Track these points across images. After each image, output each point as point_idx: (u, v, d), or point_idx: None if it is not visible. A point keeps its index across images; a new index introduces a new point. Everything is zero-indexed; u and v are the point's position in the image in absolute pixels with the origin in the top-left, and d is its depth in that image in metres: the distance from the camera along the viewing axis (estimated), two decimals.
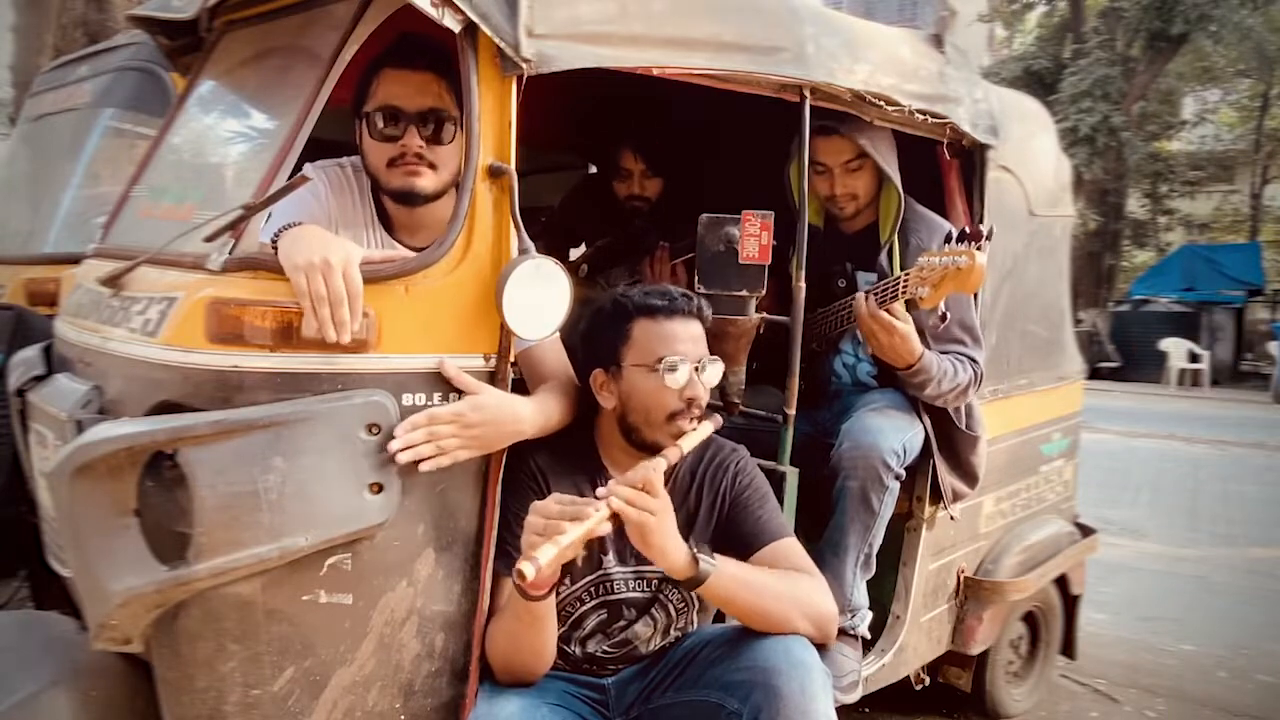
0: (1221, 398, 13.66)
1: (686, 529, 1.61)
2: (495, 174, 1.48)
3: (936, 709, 2.94)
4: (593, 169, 3.48)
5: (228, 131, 1.84)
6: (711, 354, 1.66)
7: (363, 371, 1.38)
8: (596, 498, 1.42)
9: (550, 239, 2.91)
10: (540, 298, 1.43)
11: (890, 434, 2.16)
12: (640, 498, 1.44)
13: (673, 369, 1.58)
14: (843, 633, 2.16)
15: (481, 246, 1.47)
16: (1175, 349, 14.64)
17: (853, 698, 2.14)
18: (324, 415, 1.34)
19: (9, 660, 1.54)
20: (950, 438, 2.35)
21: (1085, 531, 3.19)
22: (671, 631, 1.72)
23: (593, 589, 1.67)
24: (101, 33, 4.73)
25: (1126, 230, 18.86)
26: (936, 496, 2.38)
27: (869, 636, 2.30)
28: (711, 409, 1.70)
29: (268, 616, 1.36)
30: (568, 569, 1.53)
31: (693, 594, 1.70)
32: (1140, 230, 20.09)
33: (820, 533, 2.21)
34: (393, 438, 1.38)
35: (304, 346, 1.35)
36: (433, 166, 1.63)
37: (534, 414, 1.56)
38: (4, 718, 1.45)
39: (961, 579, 2.63)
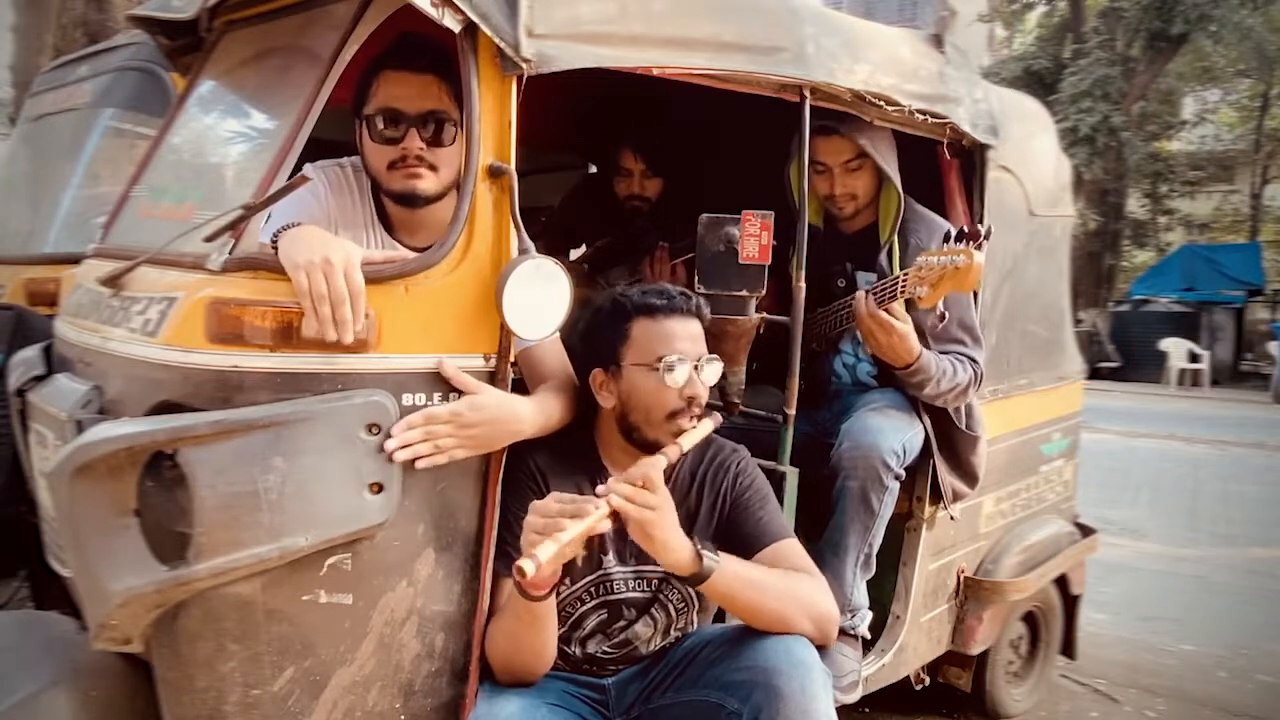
0: (1221, 398, 13.67)
1: (687, 528, 1.61)
2: (495, 174, 1.48)
3: (936, 709, 2.94)
4: (593, 169, 3.48)
5: (228, 131, 1.84)
6: (712, 354, 1.66)
7: (363, 371, 1.38)
8: (596, 495, 1.43)
9: (550, 239, 2.91)
10: (540, 298, 1.43)
11: (890, 434, 2.16)
12: (640, 494, 1.44)
13: (672, 368, 1.58)
14: (843, 633, 2.16)
15: (482, 246, 1.47)
16: (1175, 349, 14.64)
17: (853, 698, 2.14)
18: (324, 415, 1.34)
19: (9, 660, 1.54)
20: (950, 438, 2.35)
21: (1085, 531, 3.19)
22: (672, 632, 1.72)
23: (593, 589, 1.67)
24: (101, 33, 4.73)
25: (1126, 230, 18.86)
26: (936, 496, 2.38)
27: (869, 636, 2.30)
28: (711, 409, 1.70)
29: (268, 616, 1.36)
30: (567, 569, 1.53)
31: (693, 594, 1.70)
32: (1140, 230, 20.09)
33: (820, 533, 2.21)
34: (390, 437, 1.38)
35: (304, 346, 1.35)
36: (433, 169, 1.63)
37: (534, 414, 1.56)
38: (4, 718, 1.45)
39: (961, 579, 2.63)
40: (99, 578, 1.32)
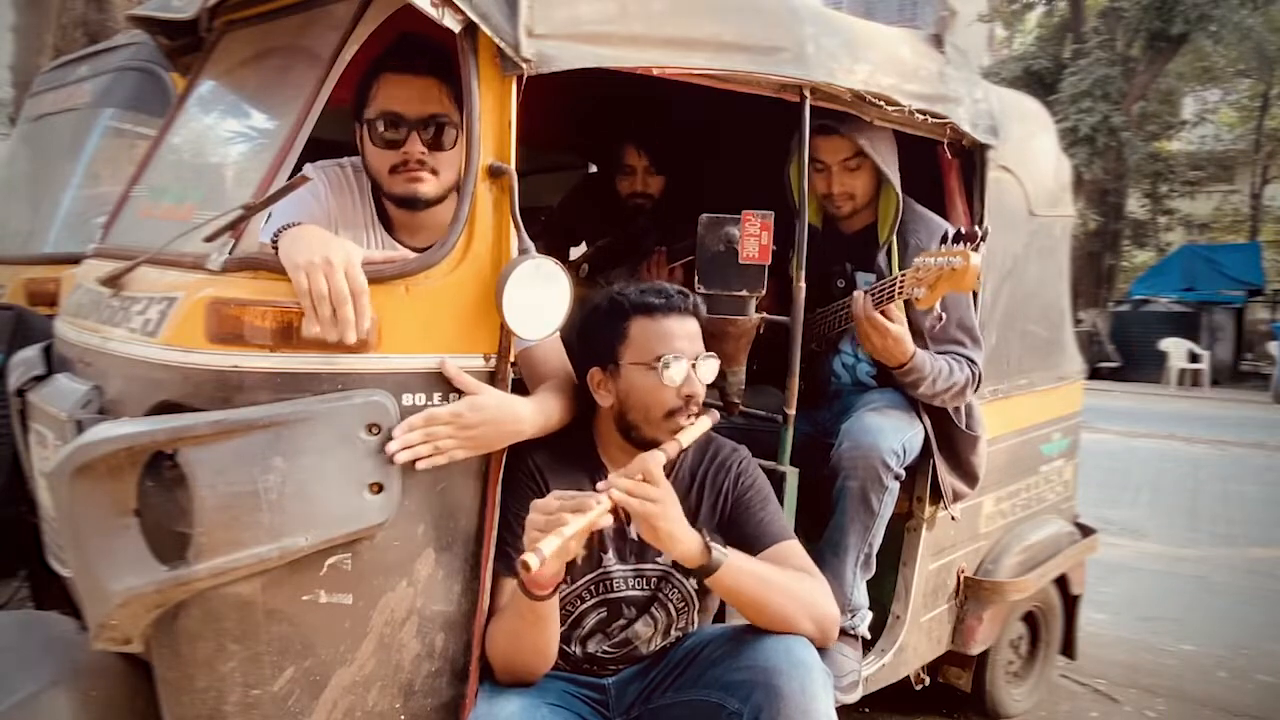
0: (1221, 398, 13.67)
1: None
2: (495, 174, 1.48)
3: (936, 709, 2.94)
4: (593, 169, 3.48)
5: (228, 131, 1.84)
6: (712, 354, 1.66)
7: (363, 371, 1.38)
8: (596, 491, 1.43)
9: (550, 239, 2.91)
10: (540, 298, 1.43)
11: (890, 434, 2.16)
12: (641, 487, 1.44)
13: (670, 367, 1.58)
14: (843, 633, 2.16)
15: (482, 246, 1.47)
16: (1175, 349, 14.64)
17: (853, 698, 2.14)
18: (324, 415, 1.34)
19: (9, 660, 1.54)
20: (950, 437, 2.35)
21: (1085, 531, 3.19)
22: (672, 631, 1.72)
23: (592, 587, 1.67)
24: (101, 33, 4.73)
25: (1126, 230, 18.86)
26: (936, 496, 2.38)
27: (869, 636, 2.30)
28: (710, 408, 1.70)
29: (268, 616, 1.36)
30: (568, 568, 1.53)
31: (692, 593, 1.70)
32: (1140, 230, 20.09)
33: (820, 533, 2.21)
34: (391, 438, 1.38)
35: (304, 346, 1.35)
36: (434, 172, 1.63)
37: (533, 414, 1.56)
38: (4, 718, 1.45)
39: (961, 579, 2.63)
40: (99, 578, 1.32)
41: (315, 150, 1.61)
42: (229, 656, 1.37)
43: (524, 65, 1.45)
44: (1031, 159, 2.75)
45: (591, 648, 1.70)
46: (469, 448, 1.46)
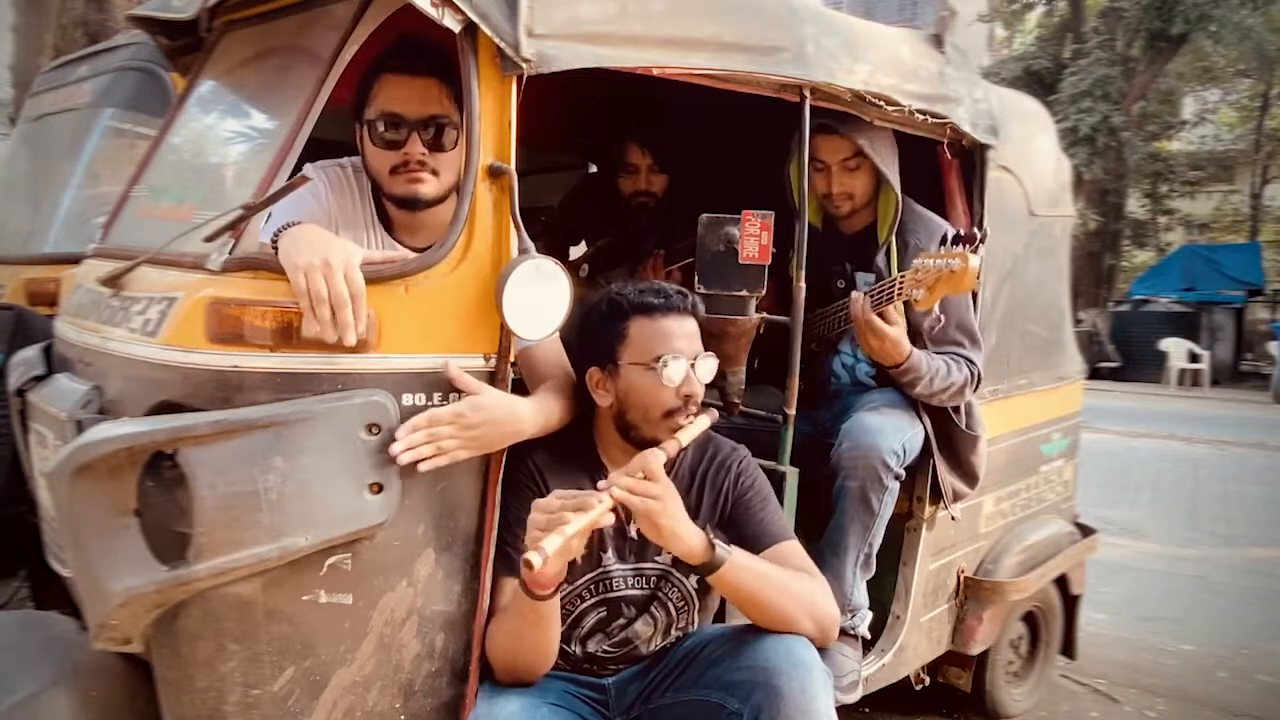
0: (1221, 398, 13.67)
1: None
2: (495, 174, 1.48)
3: (936, 709, 2.94)
4: (593, 169, 3.48)
5: (228, 131, 1.84)
6: (712, 354, 1.66)
7: (363, 371, 1.38)
8: (598, 490, 1.43)
9: (550, 239, 2.91)
10: (540, 298, 1.43)
11: (890, 434, 2.16)
12: (642, 485, 1.44)
13: (669, 366, 1.58)
14: (843, 633, 2.16)
15: (482, 247, 1.47)
16: (1175, 349, 14.64)
17: (853, 698, 2.14)
18: (324, 415, 1.34)
19: (9, 660, 1.54)
20: (950, 437, 2.35)
21: (1085, 531, 3.19)
22: (672, 631, 1.72)
23: (592, 586, 1.67)
24: (101, 33, 4.73)
25: (1126, 230, 18.86)
26: (936, 496, 2.38)
27: (869, 636, 2.30)
28: (709, 407, 1.70)
29: (268, 616, 1.36)
30: (568, 567, 1.52)
31: (692, 592, 1.70)
32: (1140, 230, 20.09)
33: (820, 533, 2.21)
34: (393, 439, 1.38)
35: (304, 346, 1.35)
36: (435, 173, 1.64)
37: (534, 414, 1.56)
38: (4, 718, 1.45)
39: (961, 579, 2.63)
40: (99, 578, 1.32)
41: (315, 150, 1.61)
42: (229, 656, 1.37)
43: (524, 65, 1.45)
44: (1031, 159, 2.75)
45: (591, 647, 1.70)
46: (471, 448, 1.46)
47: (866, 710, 2.80)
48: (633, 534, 1.67)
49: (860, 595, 2.23)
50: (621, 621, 1.69)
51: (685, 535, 1.49)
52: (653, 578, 1.69)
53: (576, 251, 3.10)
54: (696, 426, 1.62)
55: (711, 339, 1.75)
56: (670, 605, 1.71)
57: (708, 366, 1.65)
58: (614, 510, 1.41)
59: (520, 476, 1.61)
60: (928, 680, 2.63)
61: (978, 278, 1.96)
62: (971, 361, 2.27)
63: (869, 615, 2.27)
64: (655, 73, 1.67)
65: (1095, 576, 3.43)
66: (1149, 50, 14.95)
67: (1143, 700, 3.24)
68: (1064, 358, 3.09)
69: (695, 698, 1.59)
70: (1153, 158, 18.01)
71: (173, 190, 1.81)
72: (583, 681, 1.70)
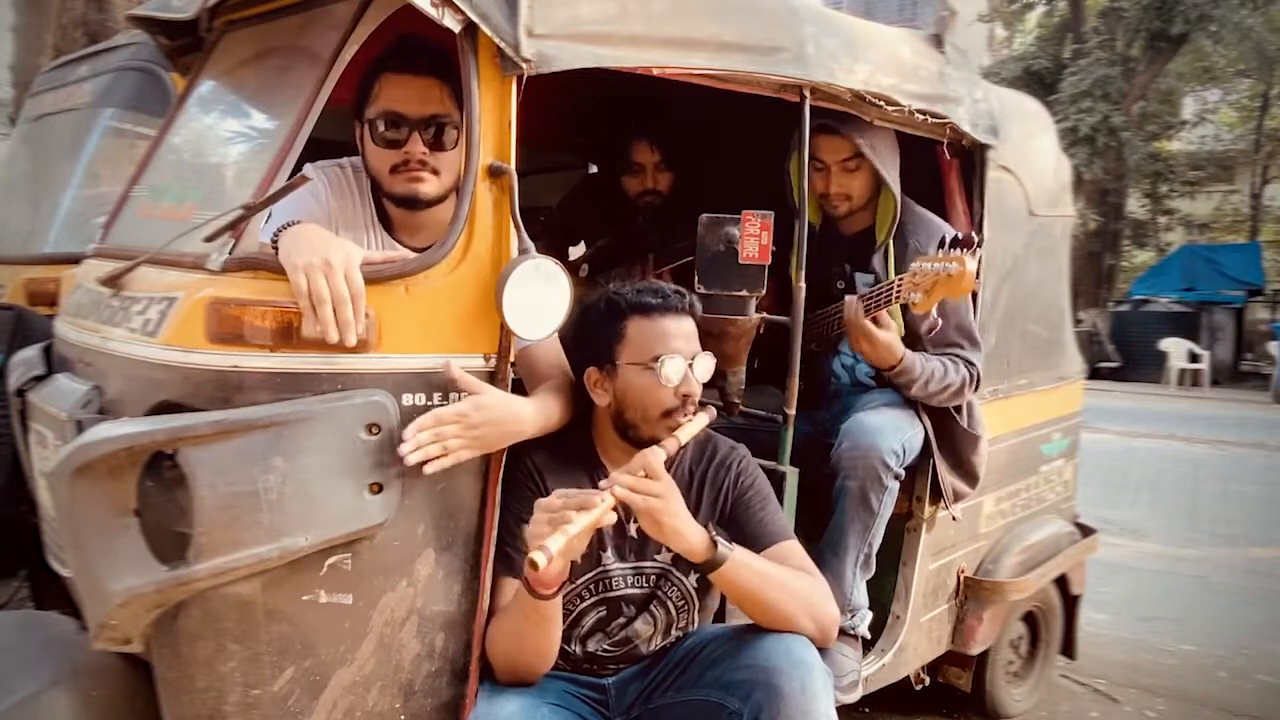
0: (1221, 398, 13.66)
1: None
2: (495, 174, 1.48)
3: (936, 709, 2.94)
4: (593, 169, 3.48)
5: (228, 131, 1.84)
6: (712, 355, 1.67)
7: (363, 371, 1.38)
8: (599, 489, 1.43)
9: (550, 239, 2.91)
10: (540, 298, 1.43)
11: (889, 434, 2.16)
12: (643, 483, 1.44)
13: (667, 366, 1.58)
14: (843, 633, 2.16)
15: (482, 247, 1.47)
16: (1175, 349, 14.64)
17: (853, 698, 2.14)
18: (324, 415, 1.34)
19: (9, 660, 1.54)
20: (951, 437, 2.35)
21: (1085, 531, 3.19)
22: (672, 630, 1.72)
23: (592, 585, 1.67)
24: (101, 33, 4.73)
25: (1126, 230, 18.85)
26: (936, 496, 2.38)
27: (869, 636, 2.30)
28: (709, 405, 1.70)
29: (268, 616, 1.36)
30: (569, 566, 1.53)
31: (692, 591, 1.70)
32: (1140, 230, 20.09)
33: (820, 533, 2.21)
34: (397, 439, 1.37)
35: (304, 346, 1.35)
36: (435, 172, 1.64)
37: (534, 414, 1.56)
38: (4, 718, 1.45)
39: (961, 579, 2.63)
40: (99, 578, 1.32)
41: (315, 150, 1.61)
42: (229, 656, 1.37)
43: (524, 65, 1.45)
44: (1031, 159, 2.75)
45: (591, 647, 1.70)
46: (474, 448, 1.46)
47: (866, 710, 2.80)
48: (632, 533, 1.67)
49: (860, 595, 2.23)
50: (621, 620, 1.69)
51: (687, 533, 1.49)
52: (652, 576, 1.69)
53: (576, 252, 3.10)
54: (695, 424, 1.62)
55: (711, 339, 1.75)
56: (670, 604, 1.71)
57: (705, 366, 1.65)
58: (615, 509, 1.41)
59: (520, 476, 1.61)
60: (928, 680, 2.63)
61: (977, 278, 1.96)
62: (970, 363, 2.28)
63: (869, 615, 2.27)
64: (655, 73, 1.67)
65: (1095, 576, 3.43)
66: (1149, 50, 14.95)
67: (1143, 700, 3.24)
68: (1064, 358, 3.09)
69: (695, 697, 1.59)
70: (1153, 158, 18.01)
71: (173, 190, 1.81)
72: (583, 681, 1.70)
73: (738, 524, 1.68)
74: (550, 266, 1.44)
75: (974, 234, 2.02)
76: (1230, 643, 3.84)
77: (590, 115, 2.83)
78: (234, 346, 1.34)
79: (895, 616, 2.42)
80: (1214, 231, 21.04)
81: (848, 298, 2.15)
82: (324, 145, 1.69)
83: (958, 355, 2.27)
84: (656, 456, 1.49)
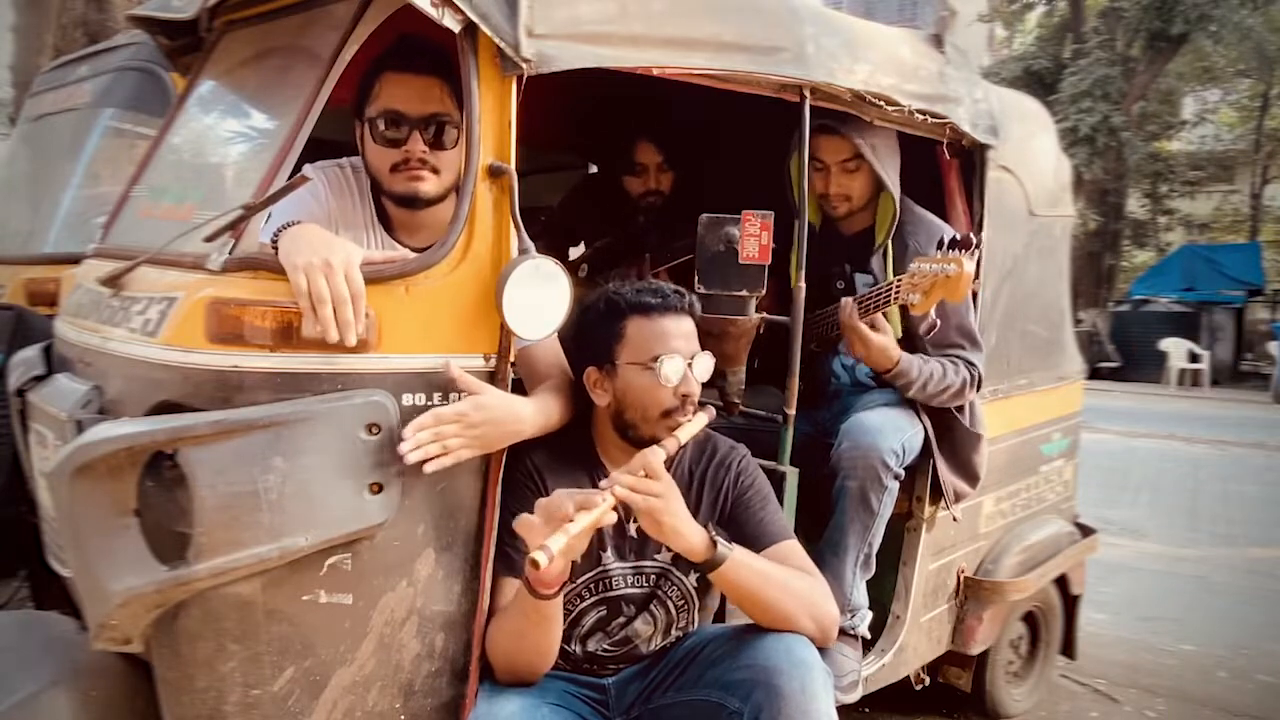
0: (1221, 398, 13.66)
1: None
2: (495, 174, 1.48)
3: (936, 709, 2.94)
4: (593, 169, 3.48)
5: (228, 131, 1.84)
6: (712, 355, 1.67)
7: (363, 371, 1.38)
8: (600, 488, 1.43)
9: (550, 239, 2.91)
10: (540, 298, 1.43)
11: (889, 434, 2.16)
12: (643, 483, 1.45)
13: (667, 366, 1.58)
14: (843, 633, 2.16)
15: (482, 247, 1.47)
16: (1175, 349, 14.64)
17: (853, 698, 2.14)
18: (324, 415, 1.34)
19: (9, 660, 1.54)
20: (953, 436, 2.35)
21: (1085, 531, 3.19)
22: (672, 630, 1.72)
23: (592, 585, 1.67)
24: (101, 33, 4.73)
25: (1126, 230, 18.85)
26: (936, 496, 2.38)
27: (869, 636, 2.30)
28: (708, 405, 1.70)
29: (268, 616, 1.36)
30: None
31: (692, 591, 1.70)
32: (1140, 230, 20.09)
33: (820, 533, 2.21)
34: (396, 439, 1.37)
35: (304, 346, 1.35)
36: (435, 171, 1.64)
37: (534, 414, 1.56)
38: (4, 718, 1.45)
39: (961, 579, 2.63)
40: (99, 578, 1.32)
41: (315, 150, 1.61)
42: (229, 656, 1.37)
43: (524, 65, 1.45)
44: (1031, 159, 2.75)
45: (591, 646, 1.70)
46: (474, 447, 1.46)
47: (866, 710, 2.80)
48: (632, 532, 1.67)
49: (860, 595, 2.23)
50: (621, 620, 1.70)
51: (687, 532, 1.49)
52: (652, 576, 1.69)
53: (576, 252, 3.10)
54: (695, 424, 1.62)
55: (711, 339, 1.75)
56: (670, 604, 1.71)
57: (705, 366, 1.65)
58: (615, 509, 1.41)
59: (519, 476, 1.61)
60: (928, 680, 2.63)
61: (976, 279, 1.96)
62: (971, 364, 2.28)
63: (869, 615, 2.27)
64: (655, 73, 1.67)
65: (1095, 576, 3.43)
66: (1149, 50, 14.95)
67: (1143, 700, 3.24)
68: (1064, 358, 3.09)
69: (695, 697, 1.59)
70: (1153, 158, 18.00)
71: (173, 190, 1.81)
72: (583, 681, 1.70)
73: (737, 524, 1.68)
74: (550, 266, 1.44)
75: (972, 235, 2.02)
76: (1230, 643, 3.84)
77: (590, 115, 2.83)
78: (234, 346, 1.34)
79: (895, 616, 2.42)
80: (1214, 231, 21.04)
81: (843, 300, 2.15)
82: (324, 145, 1.69)
83: (958, 356, 2.27)
84: (656, 456, 1.49)
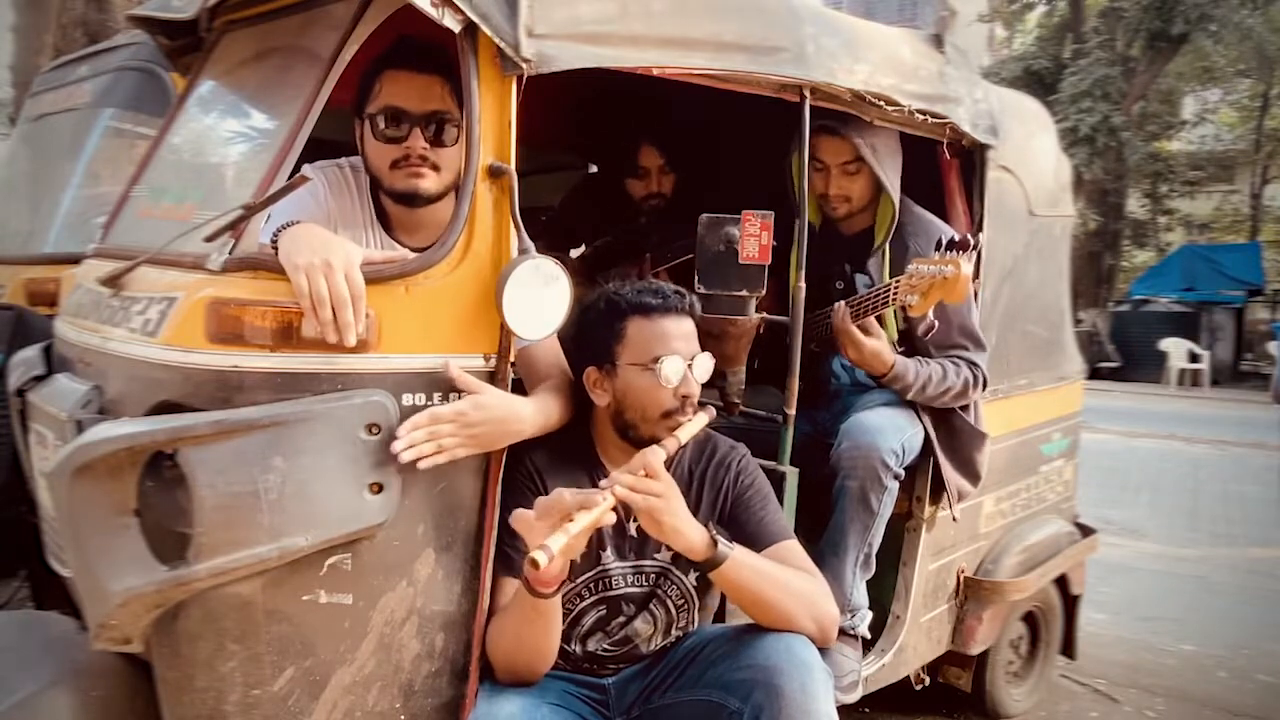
0: (1221, 398, 13.66)
1: None
2: (495, 174, 1.48)
3: (936, 709, 2.94)
4: (593, 169, 3.48)
5: (228, 131, 1.84)
6: (712, 355, 1.67)
7: (363, 371, 1.38)
8: (600, 488, 1.43)
9: (550, 239, 2.91)
10: (540, 298, 1.43)
11: (889, 434, 2.16)
12: (643, 482, 1.45)
13: (667, 367, 1.58)
14: (843, 633, 2.16)
15: (482, 246, 1.47)
16: (1175, 349, 14.64)
17: (853, 698, 2.14)
18: (324, 415, 1.34)
19: (9, 660, 1.54)
20: (956, 435, 2.35)
21: (1085, 531, 3.19)
22: (672, 630, 1.72)
23: (591, 585, 1.67)
24: (101, 33, 4.73)
25: (1126, 230, 18.85)
26: (936, 496, 2.38)
27: (869, 636, 2.30)
28: (708, 405, 1.70)
29: (268, 616, 1.36)
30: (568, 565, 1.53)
31: (692, 590, 1.70)
32: (1140, 230, 20.09)
33: (820, 533, 2.21)
34: (394, 438, 1.38)
35: (304, 346, 1.35)
36: (436, 168, 1.64)
37: (534, 414, 1.56)
38: (4, 718, 1.45)
39: (961, 579, 2.63)
40: (99, 578, 1.32)
41: (315, 150, 1.61)
42: (229, 656, 1.37)
43: (524, 65, 1.45)
44: (1031, 159, 2.75)
45: (591, 646, 1.70)
46: (472, 446, 1.46)
47: (866, 710, 2.80)
48: (632, 532, 1.67)
49: (860, 595, 2.23)
50: (621, 620, 1.70)
51: (687, 532, 1.49)
52: (652, 575, 1.70)
53: (577, 252, 3.10)
54: (695, 424, 1.62)
55: (711, 339, 1.75)
56: (670, 603, 1.71)
57: (705, 366, 1.65)
58: (615, 508, 1.41)
59: (519, 476, 1.61)
60: (928, 680, 2.63)
61: (975, 279, 1.96)
62: (974, 364, 2.27)
63: (869, 615, 2.27)
64: (655, 73, 1.67)
65: (1095, 576, 3.43)
66: (1149, 50, 14.94)
67: (1143, 700, 3.24)
68: (1064, 358, 3.09)
69: (696, 697, 1.59)
70: (1153, 158, 18.01)
71: (173, 190, 1.81)
72: (583, 681, 1.70)
73: (738, 523, 1.68)
74: (550, 266, 1.44)
75: (970, 237, 2.02)
76: (1230, 643, 3.84)
77: (591, 115, 2.83)
78: (234, 346, 1.34)
79: (895, 616, 2.42)
80: (1214, 231, 21.05)
81: (837, 304, 2.15)
82: (324, 145, 1.69)
83: (960, 357, 2.27)
84: (656, 456, 1.49)
